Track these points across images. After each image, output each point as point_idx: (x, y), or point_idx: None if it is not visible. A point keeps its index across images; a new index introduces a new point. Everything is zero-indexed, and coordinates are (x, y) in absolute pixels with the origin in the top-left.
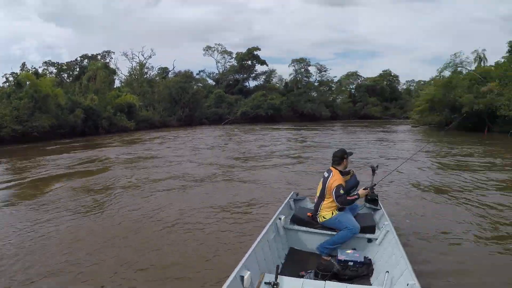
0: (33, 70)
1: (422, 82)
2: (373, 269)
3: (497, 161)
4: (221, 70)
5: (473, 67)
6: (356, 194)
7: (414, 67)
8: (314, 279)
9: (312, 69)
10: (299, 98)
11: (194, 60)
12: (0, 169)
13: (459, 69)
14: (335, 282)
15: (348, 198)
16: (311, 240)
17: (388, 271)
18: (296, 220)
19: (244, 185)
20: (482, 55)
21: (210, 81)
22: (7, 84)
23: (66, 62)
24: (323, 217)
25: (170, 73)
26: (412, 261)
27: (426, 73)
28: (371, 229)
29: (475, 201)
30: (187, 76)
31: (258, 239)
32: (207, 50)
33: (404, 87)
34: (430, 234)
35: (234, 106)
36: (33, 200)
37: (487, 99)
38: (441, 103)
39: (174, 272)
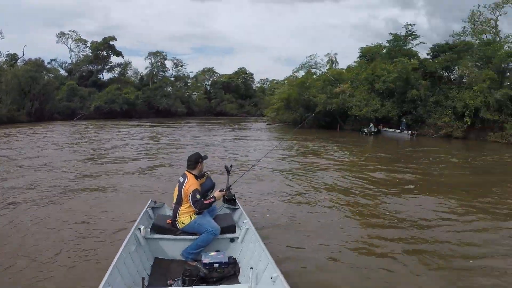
0: None
1: (275, 81)
2: (239, 268)
3: (345, 157)
4: (74, 60)
5: (325, 69)
6: (212, 197)
7: (269, 66)
8: (182, 286)
9: (168, 64)
10: (155, 93)
11: (46, 47)
12: None
13: (313, 70)
14: (203, 286)
15: (205, 202)
16: (174, 247)
17: (252, 268)
18: (157, 228)
19: (98, 194)
20: (334, 58)
21: (63, 72)
22: None
23: None
24: (182, 222)
25: (19, 60)
26: (274, 254)
27: (280, 72)
28: (231, 228)
29: (325, 193)
30: (37, 64)
31: (119, 253)
32: (60, 37)
33: (258, 85)
34: (288, 226)
35: (88, 100)
36: None
37: (339, 100)
38: (296, 102)
39: None
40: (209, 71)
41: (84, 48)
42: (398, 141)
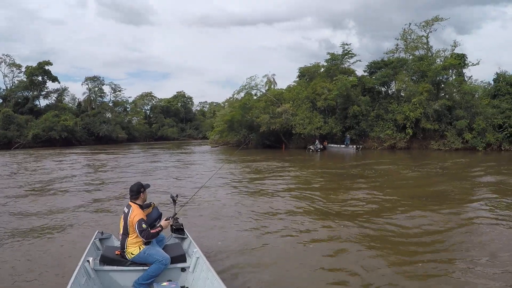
0: None
1: (215, 104)
2: None
3: (295, 175)
4: (9, 86)
5: (265, 90)
6: (159, 226)
7: (206, 89)
8: None
9: (106, 89)
10: (94, 120)
11: None
12: None
13: (254, 91)
14: None
15: (152, 231)
16: (125, 279)
17: None
18: (106, 260)
19: (40, 231)
20: (272, 79)
21: None
22: None
23: None
24: (131, 253)
25: None
26: (227, 280)
27: (218, 95)
28: (181, 258)
29: (275, 212)
30: None
31: (69, 286)
32: None
33: (198, 108)
34: (240, 250)
35: (25, 128)
36: None
37: (282, 119)
38: (239, 123)
39: None
40: (148, 95)
41: (19, 73)
42: (344, 156)
